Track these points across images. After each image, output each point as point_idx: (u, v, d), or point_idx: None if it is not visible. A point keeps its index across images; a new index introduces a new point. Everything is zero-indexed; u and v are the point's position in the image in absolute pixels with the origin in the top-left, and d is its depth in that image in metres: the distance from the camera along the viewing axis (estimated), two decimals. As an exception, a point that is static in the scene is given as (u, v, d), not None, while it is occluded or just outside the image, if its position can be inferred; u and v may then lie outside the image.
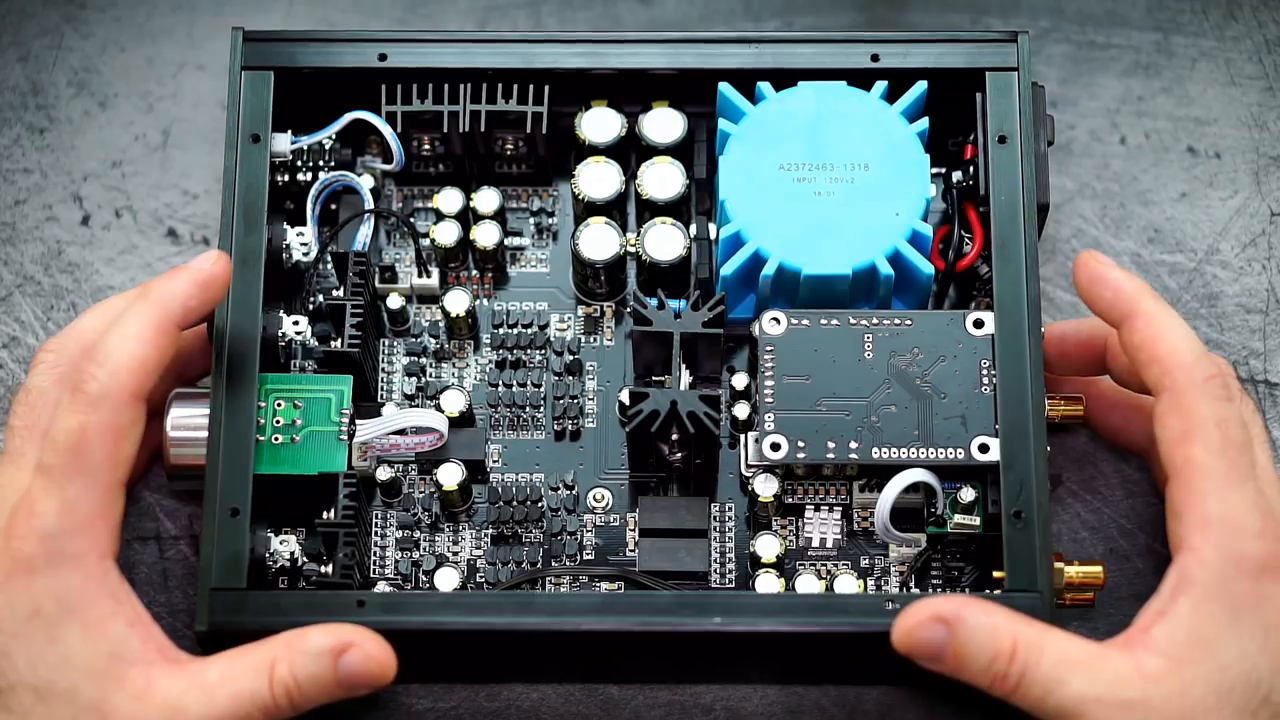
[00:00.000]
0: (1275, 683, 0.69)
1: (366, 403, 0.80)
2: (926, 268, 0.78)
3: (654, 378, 0.80)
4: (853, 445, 0.76)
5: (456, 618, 0.73)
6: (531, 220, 0.85)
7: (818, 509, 0.80)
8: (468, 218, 0.83)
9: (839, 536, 0.79)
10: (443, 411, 0.79)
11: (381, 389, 0.82)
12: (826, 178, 0.79)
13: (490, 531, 0.80)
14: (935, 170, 0.81)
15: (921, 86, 0.80)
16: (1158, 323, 0.72)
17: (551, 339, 0.83)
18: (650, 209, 0.81)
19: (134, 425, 0.70)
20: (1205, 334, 0.85)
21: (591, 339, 0.83)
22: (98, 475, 0.69)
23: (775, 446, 0.76)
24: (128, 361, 0.70)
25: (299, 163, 0.82)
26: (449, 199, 0.83)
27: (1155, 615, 0.70)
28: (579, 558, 0.80)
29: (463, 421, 0.80)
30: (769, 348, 0.78)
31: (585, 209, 0.82)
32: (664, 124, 0.82)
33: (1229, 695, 0.68)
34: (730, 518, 0.80)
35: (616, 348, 0.83)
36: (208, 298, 0.73)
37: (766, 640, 0.73)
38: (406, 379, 0.82)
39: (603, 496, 0.80)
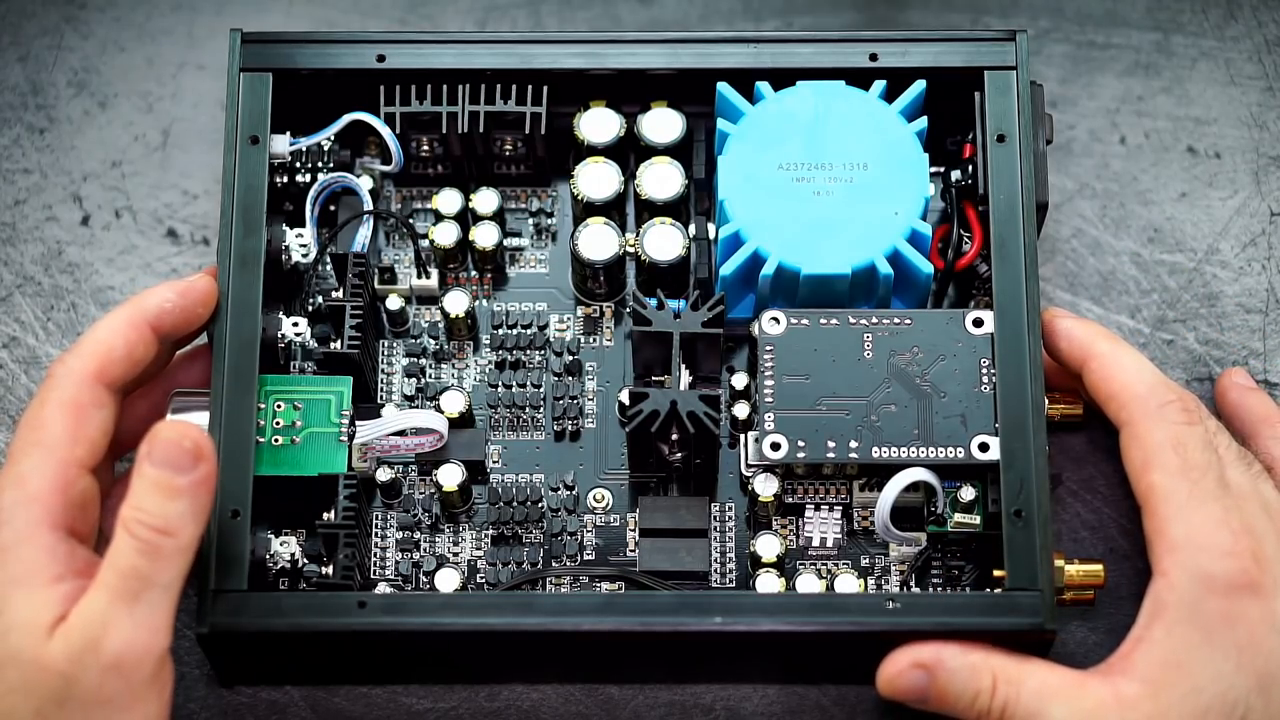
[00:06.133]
0: (1252, 702, 0.70)
1: (366, 404, 0.80)
2: (926, 267, 0.78)
3: (654, 378, 0.79)
4: (853, 444, 0.76)
5: (457, 619, 0.73)
6: (530, 221, 0.85)
7: (818, 508, 0.80)
8: (467, 218, 0.83)
9: (839, 536, 0.79)
10: (442, 412, 0.79)
11: (381, 390, 0.82)
12: (825, 177, 0.79)
13: (490, 532, 0.80)
14: (934, 169, 0.81)
15: (920, 86, 0.80)
16: (1111, 361, 0.75)
17: (551, 339, 0.83)
18: (649, 209, 0.81)
19: (96, 406, 0.72)
20: (1205, 334, 0.85)
21: (591, 339, 0.83)
22: (54, 449, 0.70)
23: (775, 446, 0.76)
24: (93, 346, 0.73)
25: (298, 164, 0.82)
26: (448, 200, 0.83)
27: (1134, 642, 0.72)
28: (579, 558, 0.80)
29: (462, 422, 0.80)
30: (769, 347, 0.78)
31: (584, 209, 0.82)
32: (663, 124, 0.82)
33: (1205, 718, 0.69)
34: (730, 518, 0.80)
35: (616, 348, 0.83)
36: (185, 304, 0.75)
37: (766, 640, 0.73)
38: (406, 380, 0.82)
39: (603, 497, 0.80)
